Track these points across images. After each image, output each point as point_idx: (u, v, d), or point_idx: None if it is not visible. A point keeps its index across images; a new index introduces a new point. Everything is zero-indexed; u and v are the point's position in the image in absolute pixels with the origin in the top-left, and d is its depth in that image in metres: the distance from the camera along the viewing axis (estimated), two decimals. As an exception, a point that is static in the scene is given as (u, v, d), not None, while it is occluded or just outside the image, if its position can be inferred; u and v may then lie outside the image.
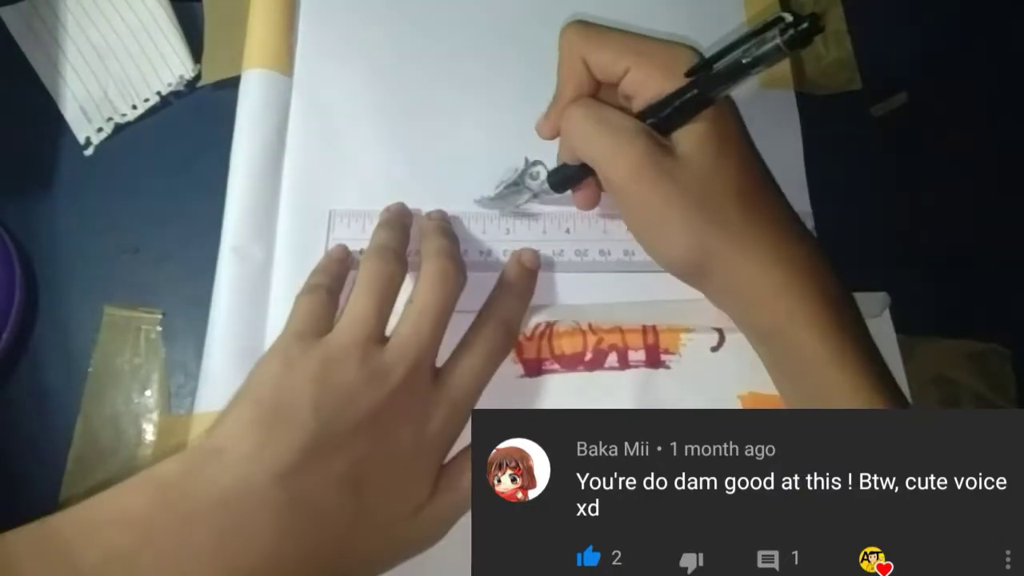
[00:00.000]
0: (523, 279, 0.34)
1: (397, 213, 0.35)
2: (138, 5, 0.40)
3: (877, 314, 0.34)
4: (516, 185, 0.36)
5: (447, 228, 0.34)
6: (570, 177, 0.33)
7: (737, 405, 0.34)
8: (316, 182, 0.37)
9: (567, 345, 0.34)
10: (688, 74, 0.29)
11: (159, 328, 0.35)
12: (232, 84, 0.38)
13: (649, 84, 0.30)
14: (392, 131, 0.38)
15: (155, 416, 0.34)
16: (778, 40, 0.25)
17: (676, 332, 0.35)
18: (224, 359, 0.33)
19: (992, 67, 0.41)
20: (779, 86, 0.39)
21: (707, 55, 0.29)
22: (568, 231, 0.36)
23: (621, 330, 0.35)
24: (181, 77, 0.39)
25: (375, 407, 0.27)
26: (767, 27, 0.26)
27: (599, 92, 0.33)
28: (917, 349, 0.35)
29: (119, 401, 0.34)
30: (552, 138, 0.34)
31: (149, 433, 0.34)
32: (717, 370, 0.34)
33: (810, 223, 0.36)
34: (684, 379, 0.34)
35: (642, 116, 0.30)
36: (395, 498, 0.28)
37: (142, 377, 0.35)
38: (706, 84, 0.28)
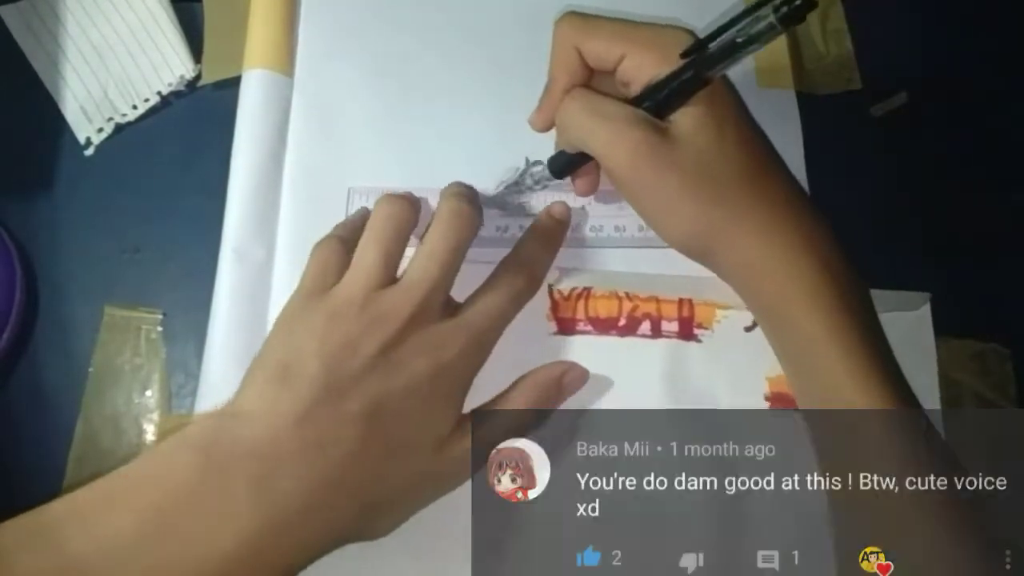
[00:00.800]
0: (551, 228, 0.34)
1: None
2: (138, 5, 0.40)
3: (914, 308, 0.34)
4: (517, 185, 0.36)
5: (465, 186, 0.34)
6: (570, 163, 0.34)
7: (764, 387, 0.34)
8: (317, 183, 0.37)
9: (602, 308, 0.35)
10: (683, 55, 0.29)
11: (160, 328, 0.35)
12: (232, 84, 0.38)
13: (645, 68, 0.30)
14: (393, 131, 0.38)
15: (156, 416, 0.34)
16: (772, 17, 0.26)
17: (712, 308, 0.35)
18: (225, 359, 0.33)
19: (992, 67, 0.41)
20: (779, 86, 0.39)
21: (702, 36, 0.29)
22: (584, 207, 0.36)
23: (657, 300, 0.35)
24: (181, 77, 0.39)
25: (384, 346, 0.28)
26: (761, 4, 0.26)
27: (594, 81, 0.33)
28: (917, 349, 0.35)
29: (119, 401, 0.34)
30: (545, 130, 0.34)
31: (150, 433, 0.34)
32: (748, 350, 0.34)
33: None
34: (714, 355, 0.34)
35: (638, 100, 0.31)
36: (416, 429, 0.28)
37: (143, 377, 0.35)
38: (701, 64, 0.29)
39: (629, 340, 0.34)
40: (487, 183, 0.37)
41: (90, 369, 0.35)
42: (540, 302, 0.34)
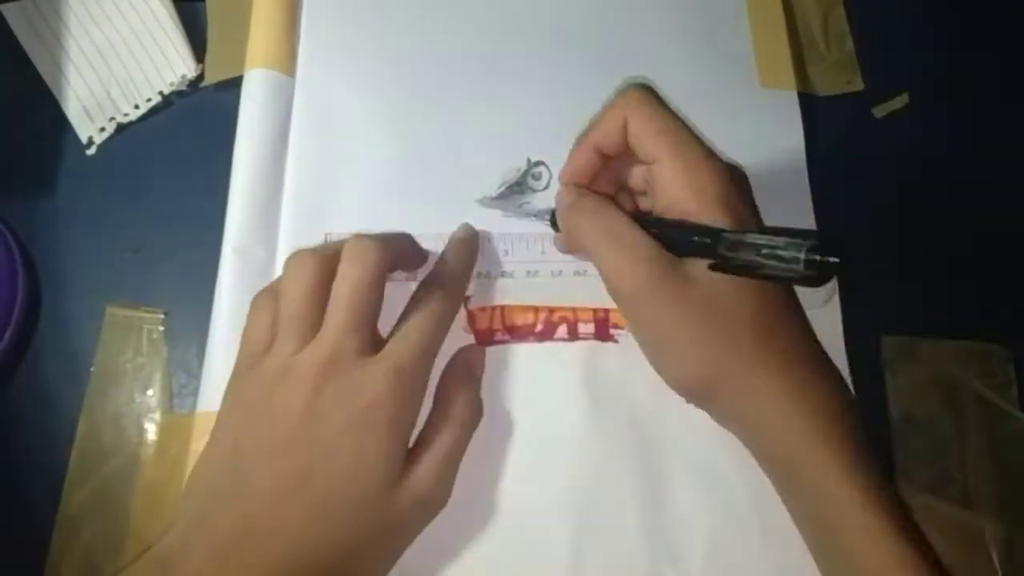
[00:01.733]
0: (461, 245, 0.34)
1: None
2: (140, 4, 0.40)
3: (820, 305, 0.35)
4: (519, 185, 0.36)
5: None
6: None
7: None
8: (318, 183, 0.37)
9: (519, 316, 0.35)
10: (707, 234, 0.28)
11: (161, 328, 0.35)
12: (234, 84, 0.38)
13: (671, 187, 0.29)
14: (395, 131, 0.38)
15: (157, 416, 0.34)
16: (800, 260, 0.25)
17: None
18: (226, 359, 0.33)
19: (993, 68, 0.41)
20: (781, 87, 0.39)
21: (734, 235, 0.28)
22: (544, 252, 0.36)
23: (572, 307, 0.35)
24: (183, 77, 0.39)
25: (305, 405, 0.27)
26: (794, 244, 0.25)
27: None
28: (918, 349, 0.35)
29: (121, 400, 0.34)
30: (571, 182, 0.33)
31: (151, 433, 0.34)
32: None
33: (811, 223, 0.36)
34: (631, 353, 0.34)
35: (649, 222, 0.30)
36: (353, 481, 0.27)
37: (144, 376, 0.35)
38: (719, 257, 0.27)
39: (547, 345, 0.35)
40: (489, 183, 0.37)
41: (92, 368, 0.35)
42: (456, 316, 0.34)
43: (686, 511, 0.32)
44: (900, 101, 0.40)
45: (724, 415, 0.30)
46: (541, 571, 0.31)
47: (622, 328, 0.35)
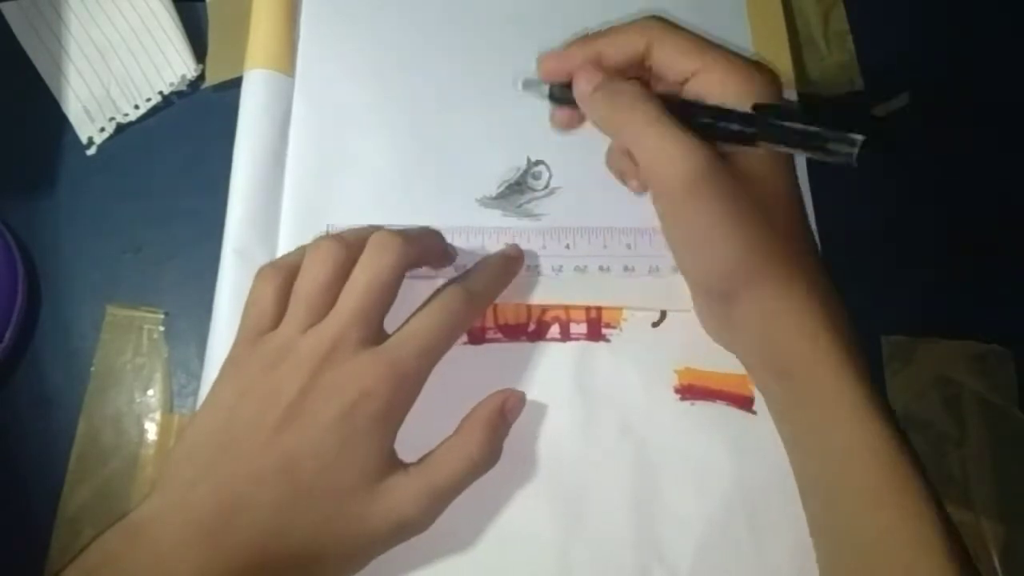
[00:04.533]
0: (501, 260, 0.34)
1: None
2: (140, 4, 0.40)
3: None
4: (518, 185, 0.36)
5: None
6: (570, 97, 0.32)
7: (674, 380, 0.34)
8: (318, 183, 0.37)
9: (511, 316, 0.35)
10: (755, 107, 0.28)
11: (161, 328, 0.35)
12: (234, 84, 0.38)
13: (717, 91, 0.29)
14: (394, 131, 0.38)
15: (157, 416, 0.34)
16: (852, 151, 0.26)
17: (619, 308, 0.35)
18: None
19: (993, 67, 0.41)
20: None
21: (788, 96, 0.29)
22: (568, 247, 0.36)
23: (565, 305, 0.35)
24: (183, 77, 0.39)
25: (301, 390, 0.27)
26: (845, 140, 0.26)
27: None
28: (918, 350, 0.35)
29: (121, 401, 0.34)
30: (550, 79, 0.32)
31: (151, 433, 0.34)
32: (656, 345, 0.34)
33: (812, 223, 0.36)
34: (623, 353, 0.34)
35: (686, 111, 0.29)
36: (337, 472, 0.27)
37: (144, 377, 0.35)
38: (766, 130, 0.28)
39: (539, 345, 0.34)
40: (489, 182, 0.37)
41: (92, 369, 0.35)
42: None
43: (676, 511, 0.32)
44: (900, 101, 0.40)
45: (741, 317, 0.30)
46: (530, 569, 0.31)
47: (614, 328, 0.35)
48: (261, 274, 0.30)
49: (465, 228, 0.36)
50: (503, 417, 0.31)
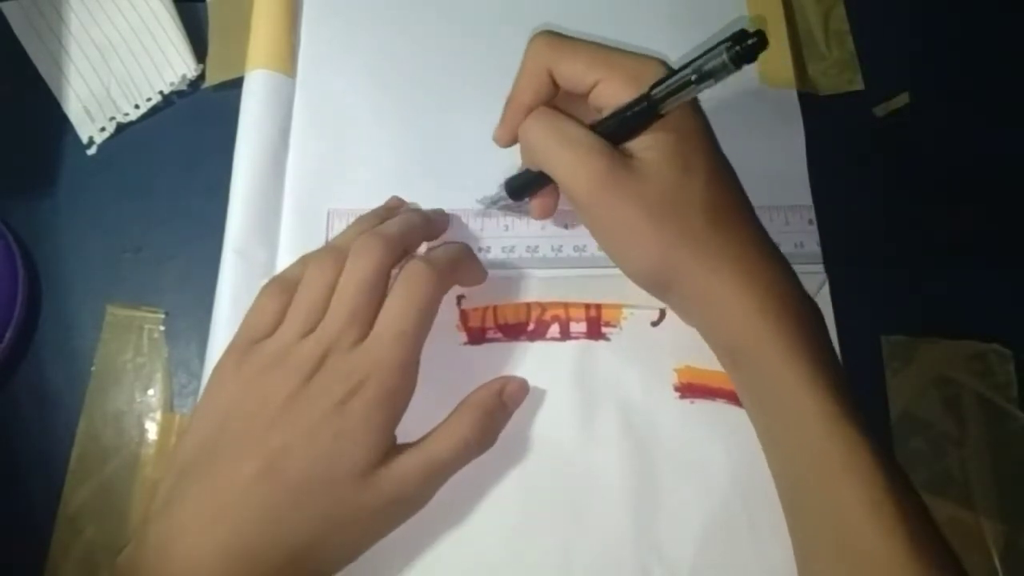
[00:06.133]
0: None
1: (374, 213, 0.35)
2: (141, 4, 0.40)
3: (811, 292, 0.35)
4: (519, 184, 0.36)
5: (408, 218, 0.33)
6: (529, 184, 0.33)
7: (673, 379, 0.34)
8: (319, 183, 0.37)
9: (511, 315, 0.35)
10: (651, 88, 0.29)
11: (162, 327, 0.35)
12: (235, 84, 0.38)
13: (621, 96, 0.30)
14: (395, 130, 0.38)
15: (158, 415, 0.34)
16: (724, 56, 0.26)
17: (619, 307, 0.35)
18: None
19: (993, 67, 0.41)
20: (782, 86, 0.39)
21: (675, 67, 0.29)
22: (567, 226, 0.36)
23: (565, 304, 0.35)
24: (184, 76, 0.39)
25: (291, 394, 0.28)
26: (714, 54, 0.26)
27: (560, 103, 0.32)
28: (918, 350, 0.35)
29: (122, 400, 0.34)
30: (507, 146, 0.33)
31: (152, 432, 0.34)
32: (656, 344, 0.34)
33: (812, 222, 0.36)
34: (623, 352, 0.34)
35: (596, 127, 0.30)
36: (327, 467, 0.27)
37: (145, 376, 0.35)
38: (654, 98, 0.28)
39: (539, 344, 0.35)
40: (489, 180, 0.37)
41: (92, 368, 0.35)
42: (449, 313, 0.35)
43: (676, 510, 0.32)
44: (900, 101, 0.40)
45: (683, 304, 0.31)
46: (530, 569, 0.31)
47: (614, 327, 0.35)
48: (266, 288, 0.31)
49: (464, 211, 0.36)
50: (501, 402, 0.32)
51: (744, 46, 0.26)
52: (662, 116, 0.29)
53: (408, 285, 0.30)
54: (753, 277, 0.29)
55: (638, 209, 0.29)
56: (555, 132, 0.30)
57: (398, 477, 0.28)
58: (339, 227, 0.36)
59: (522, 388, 0.33)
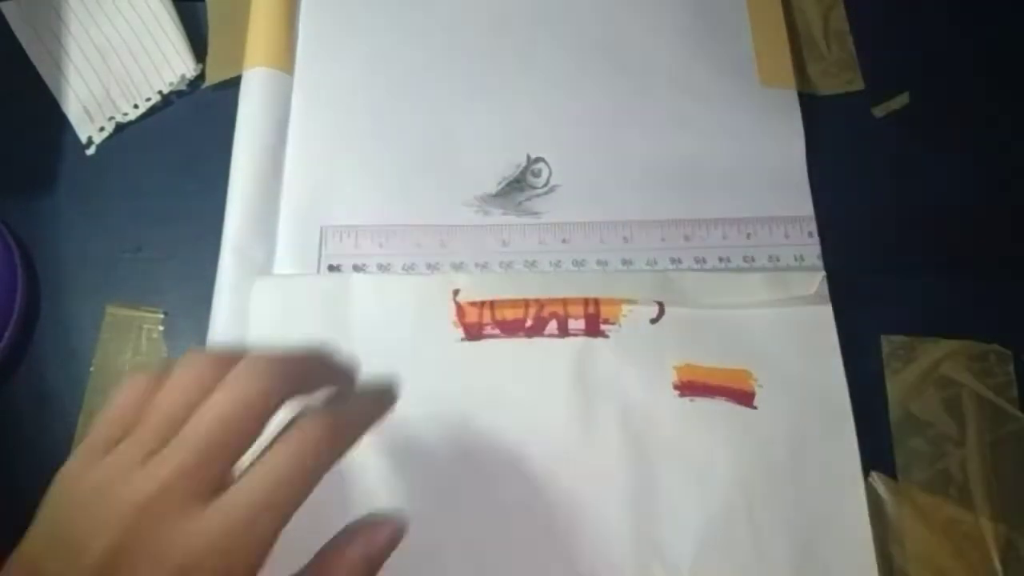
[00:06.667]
0: (377, 388, 0.26)
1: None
2: (140, 4, 0.40)
3: (811, 300, 0.35)
4: (518, 182, 0.36)
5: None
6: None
7: (673, 376, 0.34)
8: (317, 181, 0.37)
9: (509, 311, 0.35)
10: None
11: (161, 327, 0.35)
12: (234, 83, 0.38)
13: None
14: (394, 129, 0.38)
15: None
16: None
17: (617, 303, 0.35)
18: (226, 359, 0.33)
19: (993, 67, 0.41)
20: (781, 86, 0.39)
21: None
22: (565, 240, 0.36)
23: (563, 300, 0.35)
24: (183, 76, 0.39)
25: (106, 552, 0.20)
26: None
27: None
28: (917, 349, 0.35)
29: (121, 400, 0.34)
30: None
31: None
32: (655, 341, 0.34)
33: (812, 222, 0.36)
34: (621, 349, 0.34)
35: None
36: None
37: (144, 376, 0.35)
38: None
39: (537, 341, 0.34)
40: (489, 179, 0.37)
41: (91, 368, 0.35)
42: (446, 310, 0.34)
43: (676, 509, 0.32)
44: (900, 101, 0.40)
45: None
46: (527, 567, 0.31)
47: (612, 324, 0.35)
48: (130, 378, 0.24)
49: (463, 227, 0.36)
50: (369, 564, 0.23)
51: None
52: None
53: (304, 437, 0.22)
54: None
55: None
56: None
57: None
58: (333, 244, 0.35)
59: (395, 533, 0.24)
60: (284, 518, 0.21)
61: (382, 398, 0.26)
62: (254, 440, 0.22)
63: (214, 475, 0.21)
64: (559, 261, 0.35)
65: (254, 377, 0.22)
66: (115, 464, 0.22)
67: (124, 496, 0.21)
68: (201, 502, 0.21)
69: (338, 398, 0.25)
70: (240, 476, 0.22)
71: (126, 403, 0.23)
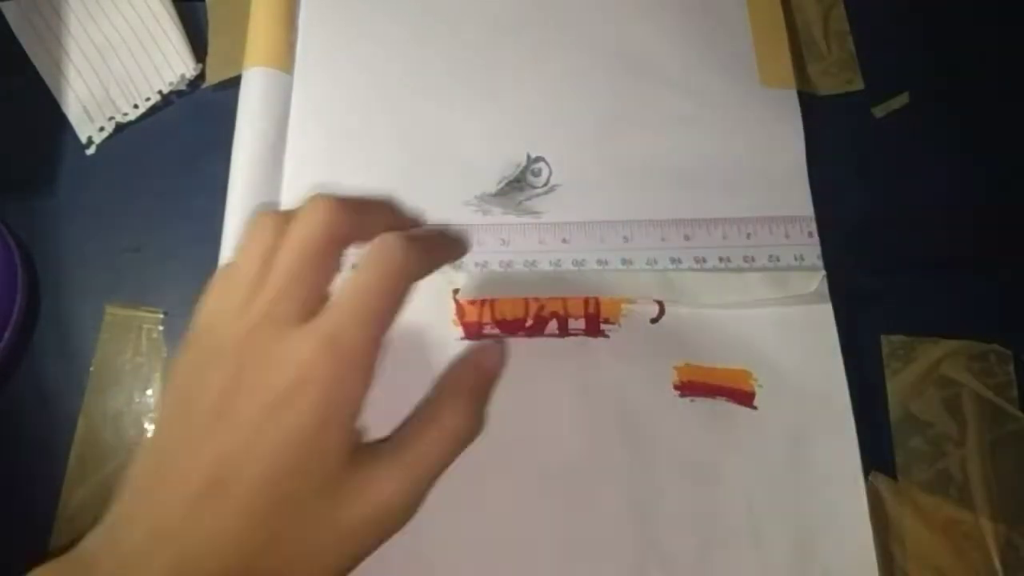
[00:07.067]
0: (447, 232, 0.28)
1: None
2: (140, 3, 0.40)
3: (811, 300, 0.35)
4: (518, 182, 0.36)
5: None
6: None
7: (673, 376, 0.34)
8: (316, 181, 0.37)
9: (509, 310, 0.35)
10: None
11: (161, 327, 0.35)
12: (234, 83, 0.38)
13: None
14: (393, 129, 0.38)
15: (157, 415, 0.34)
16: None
17: (617, 303, 0.35)
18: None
19: (994, 67, 0.41)
20: (781, 86, 0.39)
21: None
22: (565, 240, 0.36)
23: (563, 300, 0.35)
24: (183, 76, 0.39)
25: (223, 390, 0.22)
26: None
27: None
28: (917, 349, 0.35)
29: (121, 400, 0.34)
30: None
31: (151, 433, 0.34)
32: (655, 341, 0.34)
33: (811, 222, 0.36)
34: (622, 349, 0.34)
35: None
36: (283, 483, 0.22)
37: (144, 376, 0.35)
38: None
39: (537, 340, 0.34)
40: (488, 179, 0.37)
41: (91, 368, 0.35)
42: (445, 308, 0.34)
43: (676, 510, 0.32)
44: (900, 101, 0.40)
45: None
46: (526, 568, 0.31)
47: (612, 324, 0.35)
48: (214, 275, 0.26)
49: (462, 225, 0.36)
50: (479, 379, 0.26)
51: None
52: None
53: (381, 257, 0.24)
54: None
55: None
56: None
57: (375, 487, 0.23)
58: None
59: (500, 355, 0.27)
60: (378, 327, 0.23)
61: (457, 239, 0.28)
62: (334, 268, 0.24)
63: (307, 299, 0.23)
64: (559, 261, 0.35)
65: (320, 210, 0.24)
66: (208, 328, 0.24)
67: (226, 337, 0.23)
68: (301, 321, 0.23)
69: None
70: (335, 298, 0.23)
71: (209, 295, 0.25)
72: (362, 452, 0.23)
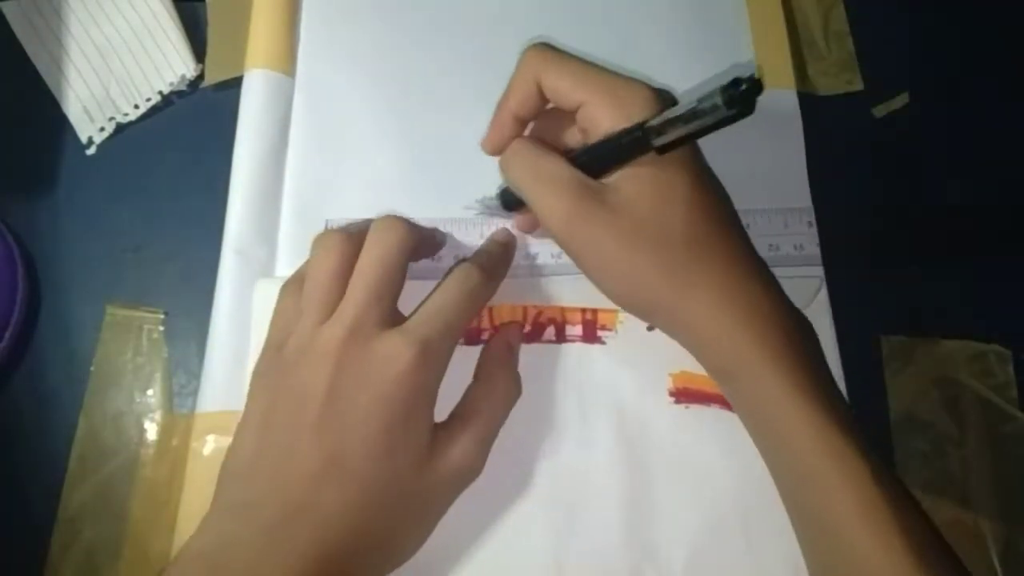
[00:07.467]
0: (501, 238, 0.34)
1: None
2: (140, 4, 0.40)
3: (808, 302, 0.35)
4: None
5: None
6: (518, 200, 0.33)
7: (668, 383, 0.34)
8: (318, 183, 0.37)
9: (507, 317, 0.35)
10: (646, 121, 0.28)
11: (161, 327, 0.35)
12: (234, 84, 0.38)
13: (602, 121, 0.29)
14: (394, 131, 0.38)
15: (157, 415, 0.34)
16: (719, 98, 0.25)
17: (614, 310, 0.35)
18: (226, 359, 0.33)
19: (993, 67, 0.41)
20: (781, 86, 0.39)
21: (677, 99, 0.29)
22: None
23: (561, 307, 0.35)
24: (183, 76, 0.39)
25: (329, 386, 0.27)
26: (708, 96, 0.26)
27: (551, 116, 0.32)
28: (917, 350, 0.35)
29: (121, 400, 0.34)
30: (494, 155, 0.33)
31: (151, 432, 0.34)
32: (651, 348, 0.34)
33: (811, 222, 0.36)
34: (618, 356, 0.34)
35: (578, 155, 0.30)
36: (382, 462, 0.27)
37: (144, 376, 0.35)
38: (645, 132, 0.27)
39: (534, 346, 0.34)
40: (488, 182, 0.37)
41: (91, 368, 0.35)
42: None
43: (670, 512, 0.32)
44: (900, 101, 0.40)
45: (669, 328, 0.31)
46: (522, 570, 0.31)
47: (609, 331, 0.35)
48: (283, 289, 0.31)
49: (463, 220, 0.36)
50: (512, 352, 0.33)
51: (740, 91, 0.25)
52: (653, 149, 0.28)
53: (463, 282, 0.30)
54: (734, 298, 0.29)
55: (611, 241, 0.29)
56: (530, 168, 0.30)
57: (455, 454, 0.29)
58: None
59: (516, 330, 0.34)
60: (456, 340, 0.29)
61: (505, 250, 0.34)
62: (402, 283, 0.29)
63: (389, 309, 0.29)
64: (560, 252, 0.35)
65: (391, 231, 0.29)
66: (298, 335, 0.28)
67: (323, 343, 0.27)
68: (387, 326, 0.28)
69: (479, 254, 0.33)
70: (417, 310, 0.29)
71: (286, 306, 0.30)
72: (438, 428, 0.29)
